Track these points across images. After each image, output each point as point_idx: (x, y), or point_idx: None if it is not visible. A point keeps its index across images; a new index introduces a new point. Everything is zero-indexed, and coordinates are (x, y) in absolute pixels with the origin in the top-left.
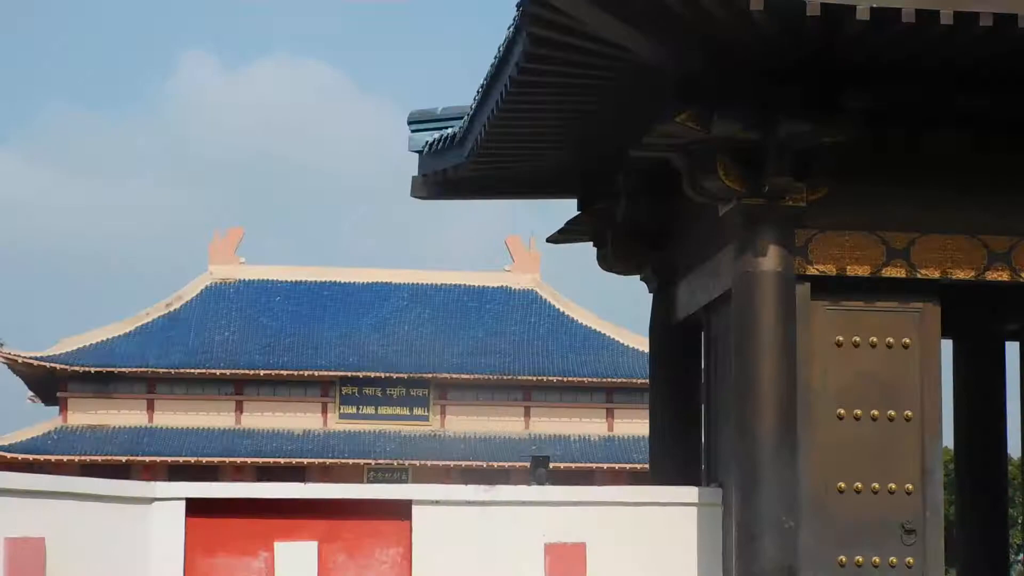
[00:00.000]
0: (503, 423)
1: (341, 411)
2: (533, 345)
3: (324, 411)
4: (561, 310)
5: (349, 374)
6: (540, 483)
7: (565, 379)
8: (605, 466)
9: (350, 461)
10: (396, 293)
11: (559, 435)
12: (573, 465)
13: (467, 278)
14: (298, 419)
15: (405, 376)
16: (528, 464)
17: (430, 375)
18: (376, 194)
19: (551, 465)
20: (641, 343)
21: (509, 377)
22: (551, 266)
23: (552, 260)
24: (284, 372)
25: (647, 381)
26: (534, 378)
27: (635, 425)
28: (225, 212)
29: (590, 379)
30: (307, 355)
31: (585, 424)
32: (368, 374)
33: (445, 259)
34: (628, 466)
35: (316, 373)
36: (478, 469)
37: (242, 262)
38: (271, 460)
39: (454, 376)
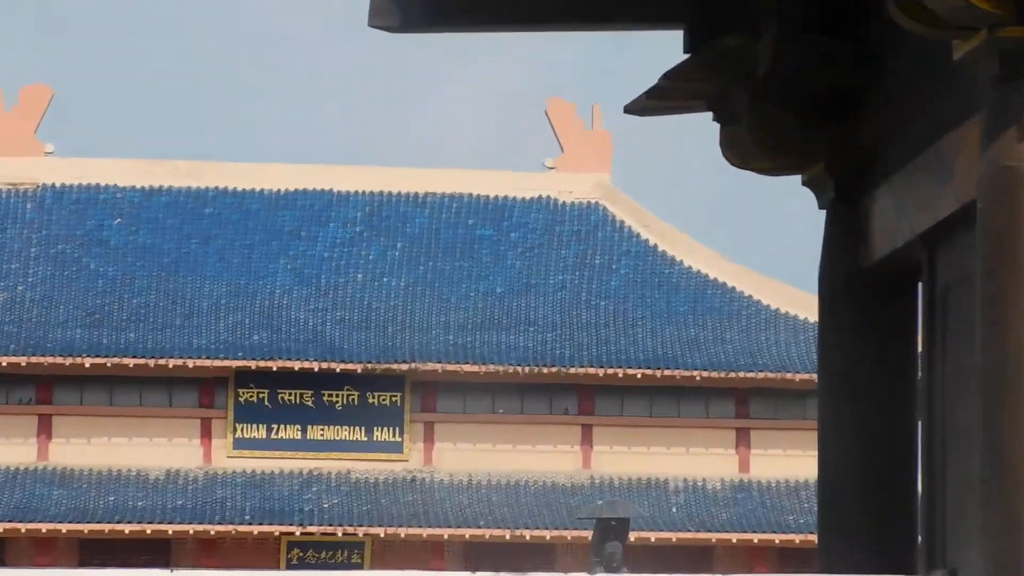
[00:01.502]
0: (541, 456)
1: (237, 434)
2: (596, 309)
3: (205, 433)
4: (650, 241)
5: (252, 364)
6: (612, 569)
7: (659, 373)
8: (734, 537)
9: (254, 528)
10: (342, 211)
11: (646, 479)
12: (674, 536)
13: (474, 182)
14: (157, 449)
15: (358, 368)
16: (590, 533)
17: (405, 366)
18: (305, 36)
19: (632, 536)
20: (802, 304)
21: (552, 370)
22: (621, 166)
23: (625, 153)
24: (129, 362)
25: (812, 376)
26: (600, 371)
27: (789, 460)
28: (22, 66)
29: (704, 373)
30: (172, 330)
31: (696, 459)
32: (288, 365)
33: (432, 151)
34: (777, 538)
35: (191, 363)
36: (495, 542)
37: (49, 152)
38: (106, 526)
39: (449, 368)
